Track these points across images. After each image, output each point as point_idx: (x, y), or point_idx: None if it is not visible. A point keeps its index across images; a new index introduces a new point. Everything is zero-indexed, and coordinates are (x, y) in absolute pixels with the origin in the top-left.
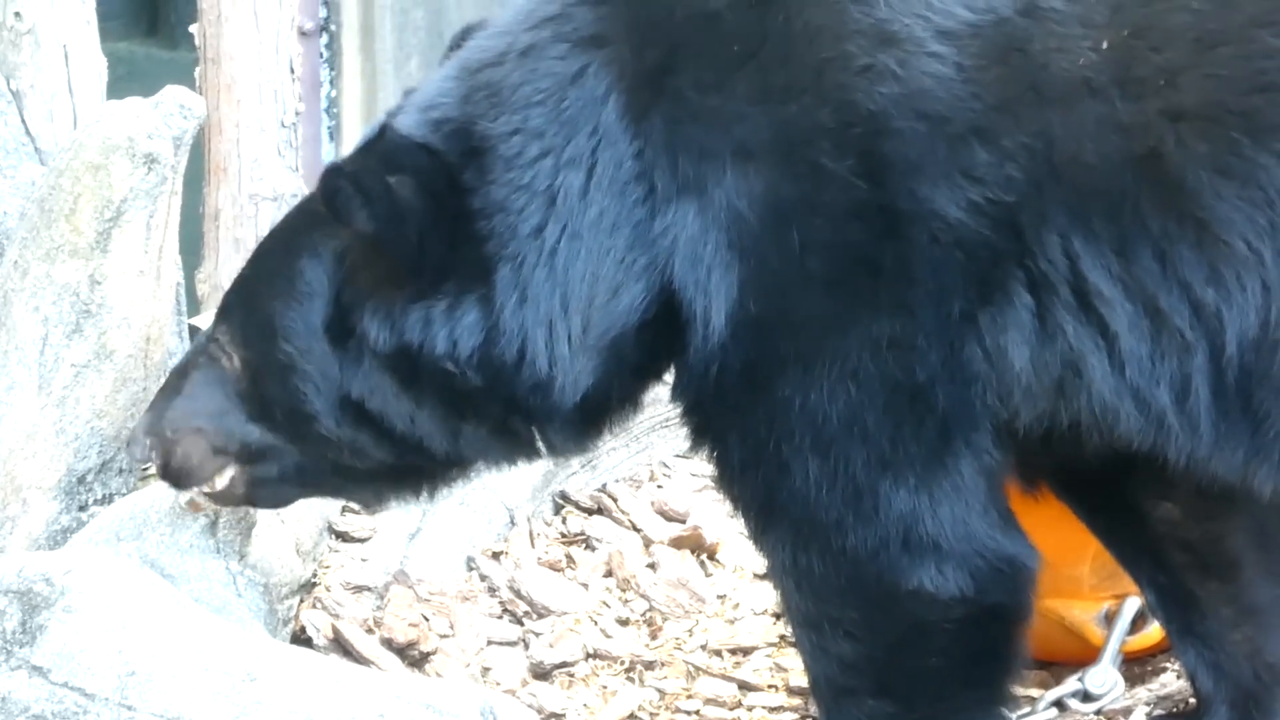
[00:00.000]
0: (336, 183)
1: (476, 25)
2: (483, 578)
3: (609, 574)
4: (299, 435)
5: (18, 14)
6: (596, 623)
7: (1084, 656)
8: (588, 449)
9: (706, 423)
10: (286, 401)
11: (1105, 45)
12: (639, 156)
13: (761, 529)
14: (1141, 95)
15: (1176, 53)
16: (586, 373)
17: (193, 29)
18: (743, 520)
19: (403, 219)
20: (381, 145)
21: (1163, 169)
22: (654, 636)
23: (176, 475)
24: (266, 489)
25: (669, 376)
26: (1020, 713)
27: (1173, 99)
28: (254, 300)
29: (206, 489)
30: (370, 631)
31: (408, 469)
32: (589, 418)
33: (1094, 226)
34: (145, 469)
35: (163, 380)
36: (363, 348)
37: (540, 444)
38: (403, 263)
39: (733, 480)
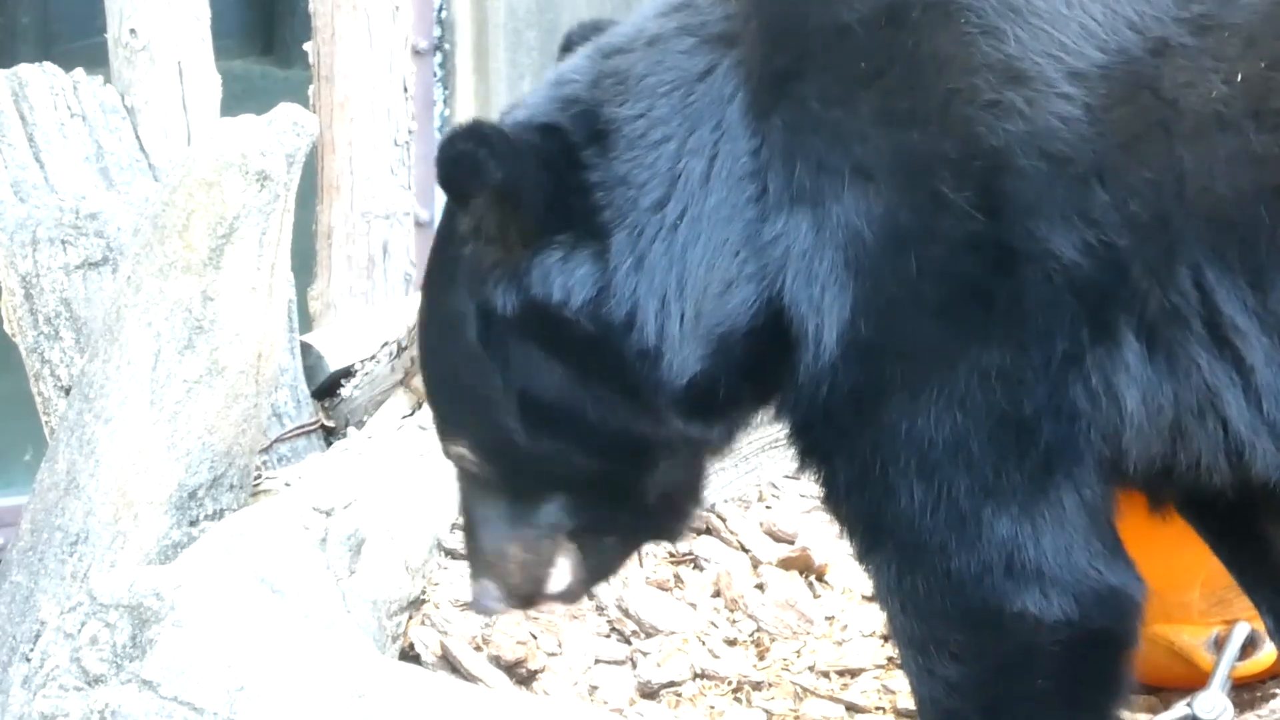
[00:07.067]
0: (456, 147)
1: (590, 25)
2: (591, 596)
3: (717, 594)
4: (522, 473)
5: (133, 31)
6: (704, 643)
7: (1193, 682)
8: (709, 441)
9: (814, 443)
10: (494, 443)
11: (1239, 78)
12: (755, 154)
13: (867, 551)
14: (1278, 127)
15: None
16: (694, 359)
17: (307, 47)
18: (849, 541)
19: (530, 167)
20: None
21: None
22: (761, 657)
23: (530, 592)
24: (590, 558)
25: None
26: None
27: None
28: (434, 377)
29: (553, 592)
30: (478, 649)
31: (606, 476)
32: (696, 407)
33: (1228, 260)
34: (257, 485)
35: (266, 395)
36: (504, 330)
37: (664, 414)
38: (536, 209)
39: (839, 502)
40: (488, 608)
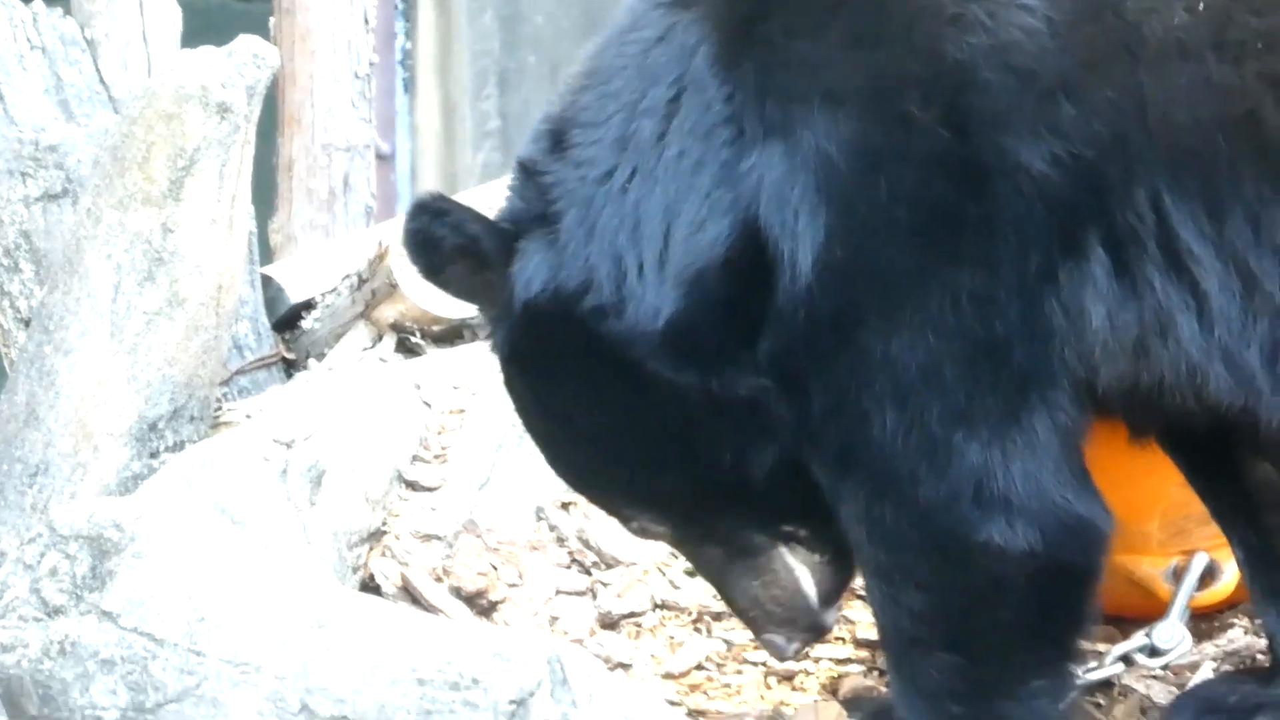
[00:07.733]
0: (408, 229)
1: None
2: (551, 528)
3: None
4: (679, 514)
5: None
6: (664, 574)
7: (1152, 612)
8: (711, 389)
9: (791, 371)
10: (636, 499)
11: (1201, 7)
12: (729, 100)
13: (838, 478)
14: (1239, 58)
15: (1278, 17)
16: (669, 301)
17: None
18: (820, 470)
19: (478, 215)
20: None
21: (1260, 133)
22: None
23: (808, 620)
24: (819, 552)
25: None
26: (1087, 667)
27: (1271, 63)
28: (561, 470)
29: (824, 602)
30: (439, 580)
31: (718, 478)
32: (680, 350)
33: (1186, 186)
34: (217, 416)
35: (227, 327)
36: (532, 374)
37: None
38: (499, 247)
39: (813, 429)
40: (788, 655)
